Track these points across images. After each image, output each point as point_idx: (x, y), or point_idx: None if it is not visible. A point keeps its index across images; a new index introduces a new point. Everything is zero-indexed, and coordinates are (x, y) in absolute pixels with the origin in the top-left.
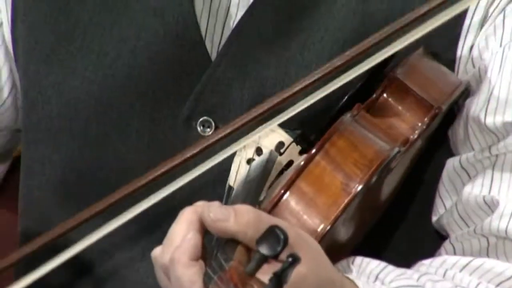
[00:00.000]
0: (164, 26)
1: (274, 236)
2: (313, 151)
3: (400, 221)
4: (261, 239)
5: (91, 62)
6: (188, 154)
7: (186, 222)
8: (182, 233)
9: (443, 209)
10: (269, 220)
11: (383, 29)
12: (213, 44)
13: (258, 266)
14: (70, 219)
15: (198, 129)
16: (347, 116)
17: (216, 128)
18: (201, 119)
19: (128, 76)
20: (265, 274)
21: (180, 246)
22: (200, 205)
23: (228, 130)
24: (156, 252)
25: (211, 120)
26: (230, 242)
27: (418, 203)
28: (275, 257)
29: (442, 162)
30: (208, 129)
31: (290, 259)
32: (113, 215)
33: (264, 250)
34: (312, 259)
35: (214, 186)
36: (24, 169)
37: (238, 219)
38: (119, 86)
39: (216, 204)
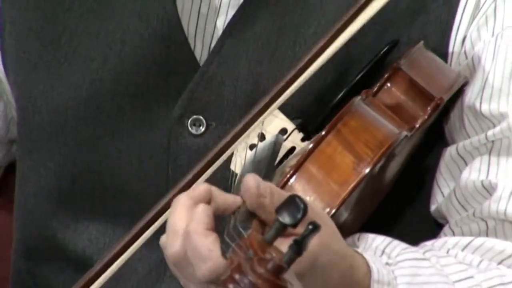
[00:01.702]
0: (148, 29)
1: (294, 205)
2: (325, 131)
3: (398, 212)
4: (281, 208)
5: (78, 68)
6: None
7: (203, 191)
8: (184, 213)
9: (441, 197)
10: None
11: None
12: (204, 43)
13: (277, 234)
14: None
15: (189, 128)
16: (357, 99)
17: (208, 126)
18: (192, 118)
19: (116, 80)
20: (281, 245)
21: (193, 219)
22: (192, 189)
23: (229, 139)
24: (163, 239)
25: (202, 118)
26: (249, 213)
27: (415, 193)
28: (295, 225)
29: (438, 152)
30: (200, 127)
31: (310, 227)
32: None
33: (284, 218)
34: (327, 231)
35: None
36: (19, 178)
37: (274, 193)
38: (108, 90)
39: (253, 175)
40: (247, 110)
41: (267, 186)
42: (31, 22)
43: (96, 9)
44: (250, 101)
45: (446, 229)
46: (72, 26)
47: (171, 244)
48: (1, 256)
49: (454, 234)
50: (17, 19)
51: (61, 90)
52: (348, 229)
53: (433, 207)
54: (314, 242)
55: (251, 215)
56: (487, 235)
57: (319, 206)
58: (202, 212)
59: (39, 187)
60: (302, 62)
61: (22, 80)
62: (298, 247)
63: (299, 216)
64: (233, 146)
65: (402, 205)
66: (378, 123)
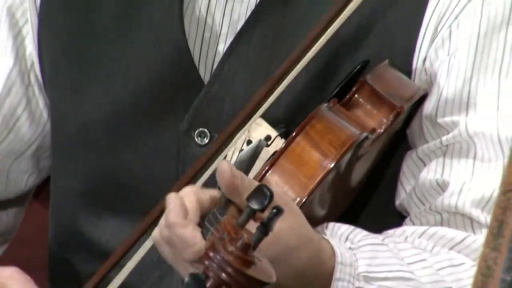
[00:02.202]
0: (161, 55)
1: (262, 193)
2: (294, 133)
3: (368, 206)
4: (251, 196)
5: (102, 89)
6: (195, 170)
7: (189, 189)
8: (188, 193)
9: (404, 193)
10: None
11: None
12: (206, 67)
13: (248, 218)
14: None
15: (196, 139)
16: (324, 106)
17: (211, 137)
18: (198, 130)
19: (133, 98)
20: (252, 228)
21: (171, 210)
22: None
23: (221, 144)
24: (155, 233)
25: (206, 131)
26: (226, 200)
27: (383, 190)
28: (262, 210)
29: (402, 155)
30: (205, 139)
31: (274, 210)
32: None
33: (253, 204)
34: (293, 217)
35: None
36: (52, 181)
37: (244, 181)
38: (126, 107)
39: (226, 162)
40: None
41: (238, 171)
42: (63, 49)
43: (118, 39)
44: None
45: (407, 220)
46: (98, 53)
47: (157, 235)
48: (42, 246)
49: (414, 225)
50: (52, 45)
51: (88, 107)
52: (324, 219)
53: (397, 202)
54: (280, 225)
55: (228, 203)
56: (441, 225)
57: (291, 196)
58: (179, 206)
59: (68, 189)
60: (275, 77)
61: (56, 97)
62: (265, 228)
63: (265, 202)
64: (222, 153)
65: (372, 200)
66: (341, 126)
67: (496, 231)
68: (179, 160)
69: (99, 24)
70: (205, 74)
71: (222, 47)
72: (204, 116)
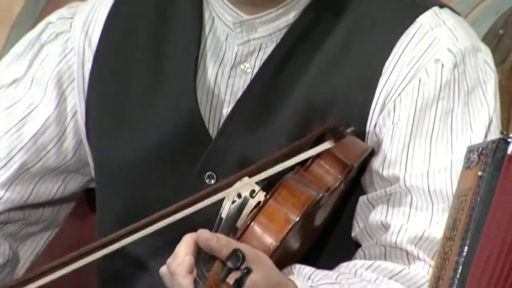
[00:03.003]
0: (179, 117)
1: (236, 256)
2: (267, 197)
3: (332, 237)
4: (228, 257)
5: (133, 139)
6: (199, 196)
7: (186, 244)
8: (183, 252)
9: (358, 228)
10: (236, 244)
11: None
12: (214, 126)
13: (226, 275)
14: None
15: (206, 180)
16: (289, 174)
17: (217, 178)
18: (207, 174)
19: (157, 149)
20: (231, 280)
21: (180, 264)
22: (196, 232)
23: (222, 185)
24: (163, 269)
25: (214, 174)
26: (211, 259)
27: (343, 225)
28: (237, 269)
29: (357, 198)
30: (212, 180)
31: (245, 270)
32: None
33: (230, 264)
34: (263, 269)
35: (212, 217)
36: (97, 207)
37: (219, 241)
38: (152, 155)
39: (207, 231)
40: (241, 168)
41: (213, 235)
42: (106, 107)
43: (146, 102)
44: (244, 163)
45: (359, 250)
46: (131, 112)
47: (169, 263)
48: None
49: (364, 254)
50: (97, 103)
51: (122, 153)
52: (296, 253)
53: (353, 234)
54: (253, 276)
55: (212, 259)
56: (385, 256)
57: (268, 242)
58: (187, 261)
59: (108, 213)
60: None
61: (97, 143)
62: (238, 284)
63: (239, 264)
64: (215, 197)
65: (335, 232)
66: (302, 189)
67: (452, 226)
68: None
69: (133, 90)
70: (213, 131)
71: (226, 111)
72: (211, 163)
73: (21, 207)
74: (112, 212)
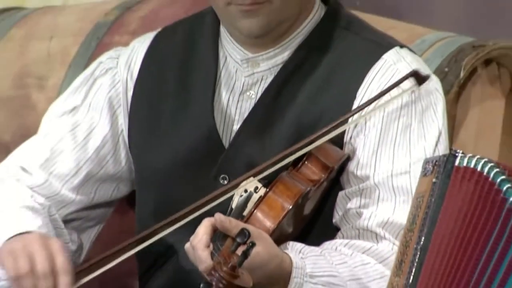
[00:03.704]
0: (200, 133)
1: (244, 233)
2: (267, 190)
3: (318, 222)
4: (237, 234)
5: (164, 151)
6: (215, 194)
7: (204, 226)
8: (202, 231)
9: (337, 216)
10: (243, 225)
11: (310, 137)
12: (226, 138)
13: (236, 248)
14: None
15: (220, 181)
16: (284, 173)
17: (230, 179)
18: (221, 176)
19: (181, 157)
20: (240, 252)
21: (200, 240)
22: (214, 216)
23: (232, 185)
24: (187, 245)
25: (227, 176)
26: (224, 237)
27: (326, 213)
28: (244, 243)
29: (337, 193)
30: (225, 181)
31: (250, 244)
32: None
33: (239, 239)
34: (264, 244)
35: (225, 208)
36: (137, 205)
37: (231, 223)
38: (177, 161)
39: (222, 215)
40: (248, 171)
41: (227, 217)
42: (143, 124)
43: (174, 121)
44: (250, 167)
45: (339, 233)
46: (162, 131)
47: (191, 241)
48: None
49: (343, 236)
50: (136, 122)
51: (155, 161)
52: (289, 236)
53: (334, 220)
54: (257, 249)
55: (225, 236)
56: (358, 237)
57: (267, 225)
58: (204, 238)
59: (145, 208)
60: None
61: (137, 154)
62: (244, 255)
63: (245, 239)
64: (227, 195)
65: (320, 219)
66: (294, 184)
67: (411, 220)
68: (210, 193)
69: (164, 113)
70: (226, 143)
71: (235, 127)
72: (225, 168)
73: (86, 208)
74: (148, 207)
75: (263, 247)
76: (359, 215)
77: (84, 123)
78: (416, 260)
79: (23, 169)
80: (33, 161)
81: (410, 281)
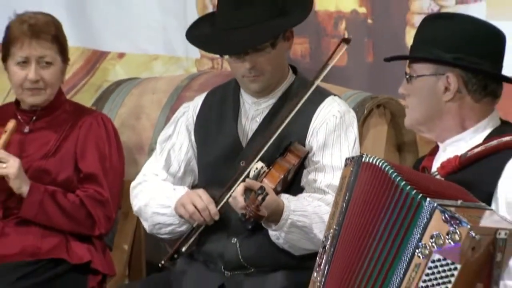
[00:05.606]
0: (228, 139)
1: (261, 188)
2: (269, 168)
3: (293, 186)
4: (258, 189)
5: (210, 153)
6: (240, 171)
7: (239, 186)
8: (238, 189)
9: (303, 182)
10: (260, 184)
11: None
12: (244, 143)
13: (257, 196)
14: None
15: (240, 164)
16: (279, 157)
17: (245, 163)
18: (242, 161)
19: (221, 153)
20: (259, 199)
21: (238, 192)
22: (245, 182)
23: (247, 165)
24: (230, 199)
25: (244, 161)
26: (250, 192)
27: (297, 182)
28: (262, 194)
29: (302, 171)
30: (242, 163)
31: (265, 193)
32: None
33: (259, 191)
34: (272, 194)
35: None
36: (198, 185)
37: (255, 183)
38: (217, 159)
39: (250, 180)
40: (256, 157)
41: (252, 180)
42: (200, 137)
43: (216, 133)
44: (255, 155)
45: (304, 191)
46: (209, 142)
47: (231, 201)
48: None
49: (307, 192)
50: (196, 136)
51: (205, 160)
52: (280, 192)
53: (301, 184)
54: (268, 197)
55: (251, 191)
56: (315, 193)
57: (270, 186)
58: (240, 190)
59: (201, 186)
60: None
61: (198, 153)
62: (262, 199)
63: (262, 191)
64: (246, 171)
65: (294, 184)
66: (283, 164)
67: (340, 188)
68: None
69: (211, 130)
70: (244, 145)
71: (251, 132)
72: (243, 156)
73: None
74: (202, 184)
75: (270, 196)
76: (314, 181)
77: (177, 143)
78: (343, 210)
79: (155, 174)
80: (158, 168)
81: (340, 220)
